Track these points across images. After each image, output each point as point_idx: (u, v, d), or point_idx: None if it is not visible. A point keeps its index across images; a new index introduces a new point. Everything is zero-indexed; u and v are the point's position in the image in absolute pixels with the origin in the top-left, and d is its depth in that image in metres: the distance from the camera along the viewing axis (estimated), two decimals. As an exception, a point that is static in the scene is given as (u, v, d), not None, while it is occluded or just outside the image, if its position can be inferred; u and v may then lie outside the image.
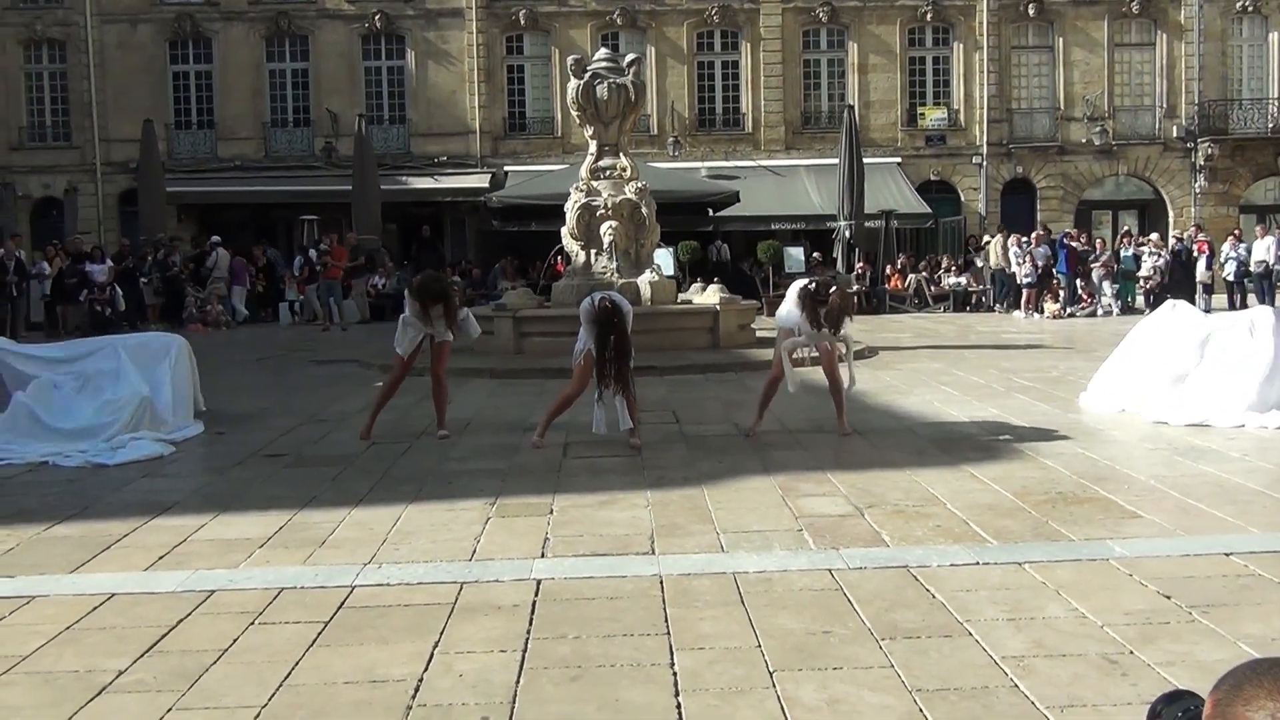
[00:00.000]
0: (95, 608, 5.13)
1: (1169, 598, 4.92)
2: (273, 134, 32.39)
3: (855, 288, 9.59)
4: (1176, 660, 4.18)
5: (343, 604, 5.09)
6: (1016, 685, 4.00)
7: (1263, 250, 24.26)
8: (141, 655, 4.50)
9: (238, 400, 12.25)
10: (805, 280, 9.43)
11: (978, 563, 5.53)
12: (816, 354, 9.46)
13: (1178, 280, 24.33)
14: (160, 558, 5.98)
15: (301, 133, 32.36)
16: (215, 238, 27.30)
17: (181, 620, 4.92)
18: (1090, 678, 4.06)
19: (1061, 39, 32.91)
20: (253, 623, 4.86)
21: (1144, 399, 9.91)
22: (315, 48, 32.31)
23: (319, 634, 4.70)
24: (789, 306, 9.28)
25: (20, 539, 6.45)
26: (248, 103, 32.27)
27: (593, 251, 16.59)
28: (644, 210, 16.54)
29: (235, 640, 4.64)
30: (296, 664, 4.36)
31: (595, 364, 8.75)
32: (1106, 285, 24.68)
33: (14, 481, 8.25)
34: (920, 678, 4.08)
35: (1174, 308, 10.85)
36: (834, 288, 9.11)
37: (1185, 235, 26.74)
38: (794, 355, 9.38)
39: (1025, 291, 24.69)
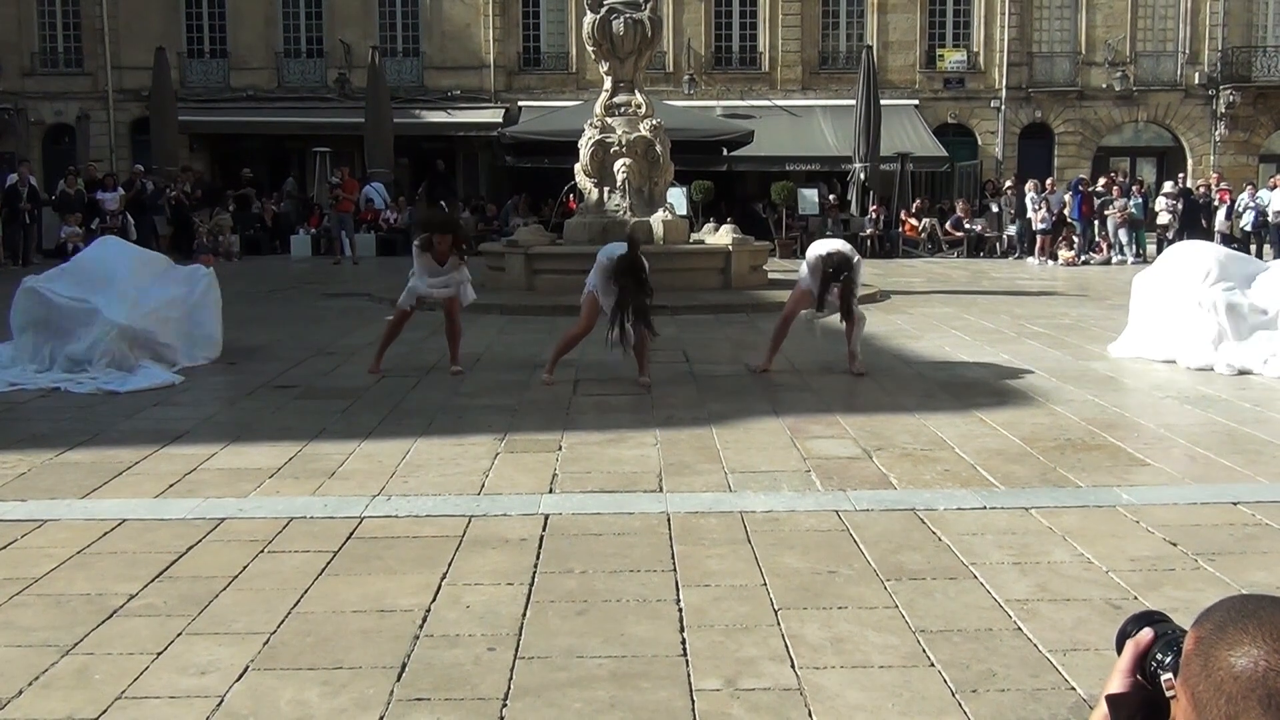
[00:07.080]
0: (106, 533, 5.17)
1: (1175, 545, 4.93)
2: (286, 64, 32.11)
3: (862, 270, 9.57)
4: (1181, 606, 4.17)
5: (351, 534, 5.13)
6: (1020, 628, 4.02)
7: (1279, 200, 23.98)
8: (152, 580, 4.54)
9: (249, 332, 12.26)
10: (826, 251, 9.30)
11: (984, 507, 5.54)
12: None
13: (1191, 228, 24.14)
14: (171, 485, 6.02)
15: (315, 64, 32.08)
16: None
17: (191, 547, 4.96)
18: (1093, 622, 4.08)
19: (1085, -19, 32.40)
20: (262, 551, 4.90)
21: (1174, 348, 9.89)
22: (329, -24, 31.98)
23: (327, 563, 4.74)
24: (805, 271, 9.33)
25: (32, 464, 6.50)
26: (260, 32, 31.98)
27: (606, 189, 16.49)
28: (658, 148, 16.41)
29: (244, 568, 4.68)
30: (305, 593, 4.40)
31: (611, 316, 8.68)
32: (1123, 233, 24.50)
33: (27, 407, 8.30)
34: (924, 619, 4.10)
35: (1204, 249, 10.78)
36: (845, 273, 9.07)
37: (1201, 184, 26.44)
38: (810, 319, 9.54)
39: (1039, 238, 24.54)
